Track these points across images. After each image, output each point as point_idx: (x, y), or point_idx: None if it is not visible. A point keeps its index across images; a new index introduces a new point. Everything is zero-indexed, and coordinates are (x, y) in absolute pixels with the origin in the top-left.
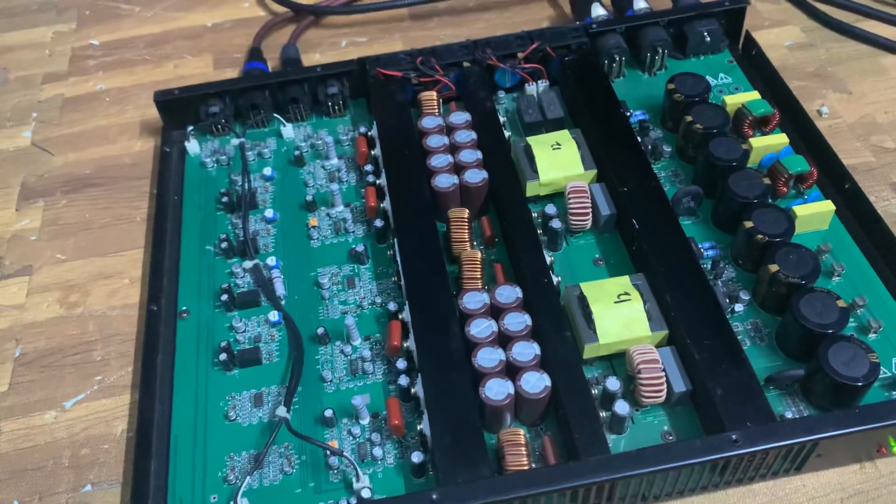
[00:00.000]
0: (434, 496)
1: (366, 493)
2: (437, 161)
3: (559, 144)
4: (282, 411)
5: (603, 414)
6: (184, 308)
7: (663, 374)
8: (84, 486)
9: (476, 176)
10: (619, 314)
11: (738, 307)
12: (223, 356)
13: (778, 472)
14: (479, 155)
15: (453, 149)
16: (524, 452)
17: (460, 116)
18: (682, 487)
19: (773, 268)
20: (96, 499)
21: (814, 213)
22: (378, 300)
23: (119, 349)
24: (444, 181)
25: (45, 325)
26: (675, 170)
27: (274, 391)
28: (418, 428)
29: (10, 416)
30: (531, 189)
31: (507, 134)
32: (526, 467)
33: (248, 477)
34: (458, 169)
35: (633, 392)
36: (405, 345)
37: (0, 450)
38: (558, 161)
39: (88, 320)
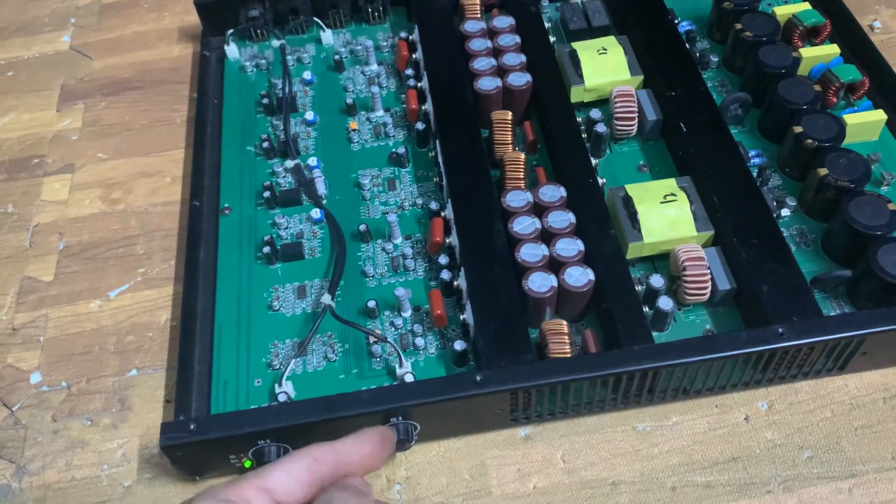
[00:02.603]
0: (478, 378)
1: (409, 379)
2: (480, 64)
3: (605, 49)
4: (326, 299)
5: (645, 310)
6: (226, 205)
7: (708, 271)
8: (129, 370)
9: (520, 79)
10: (665, 214)
11: (785, 212)
12: (266, 249)
13: (821, 370)
14: (522, 58)
15: (496, 52)
16: (567, 341)
17: (503, 20)
18: (724, 382)
19: (822, 171)
20: (141, 382)
21: (864, 123)
22: (419, 202)
23: (161, 244)
24: (487, 84)
25: (88, 220)
26: (722, 80)
27: (317, 284)
28: (461, 318)
29: (57, 304)
30: (576, 95)
31: (551, 39)
32: (569, 355)
33: (293, 361)
34: (501, 72)
35: (675, 292)
36: (447, 241)
37: (48, 335)
38: (604, 66)
39: (130, 216)
